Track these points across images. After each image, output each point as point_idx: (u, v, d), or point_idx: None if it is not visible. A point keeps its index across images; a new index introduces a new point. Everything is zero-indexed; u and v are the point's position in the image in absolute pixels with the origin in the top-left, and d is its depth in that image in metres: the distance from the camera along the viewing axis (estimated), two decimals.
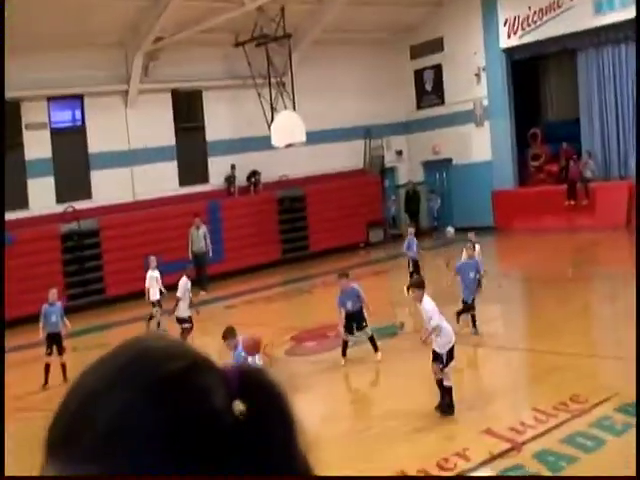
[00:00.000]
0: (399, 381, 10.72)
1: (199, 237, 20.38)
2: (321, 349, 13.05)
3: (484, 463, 7.55)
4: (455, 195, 27.04)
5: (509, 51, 25.65)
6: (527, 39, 24.83)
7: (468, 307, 12.57)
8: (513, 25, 25.06)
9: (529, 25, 24.66)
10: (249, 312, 17.31)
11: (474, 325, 12.46)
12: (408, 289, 11.50)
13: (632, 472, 6.58)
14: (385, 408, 9.51)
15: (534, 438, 7.99)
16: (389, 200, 27.58)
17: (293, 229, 24.23)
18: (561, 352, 11.00)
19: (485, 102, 26.20)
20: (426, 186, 28.29)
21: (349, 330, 11.93)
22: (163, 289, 15.35)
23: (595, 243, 20.36)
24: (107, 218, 20.15)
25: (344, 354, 11.80)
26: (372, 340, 11.80)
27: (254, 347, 9.16)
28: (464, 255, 13.21)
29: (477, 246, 13.96)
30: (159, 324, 15.42)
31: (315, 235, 24.40)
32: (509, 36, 25.28)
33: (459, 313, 12.59)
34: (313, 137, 22.93)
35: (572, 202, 23.62)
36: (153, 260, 15.96)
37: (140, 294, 19.82)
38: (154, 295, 15.59)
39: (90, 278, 19.74)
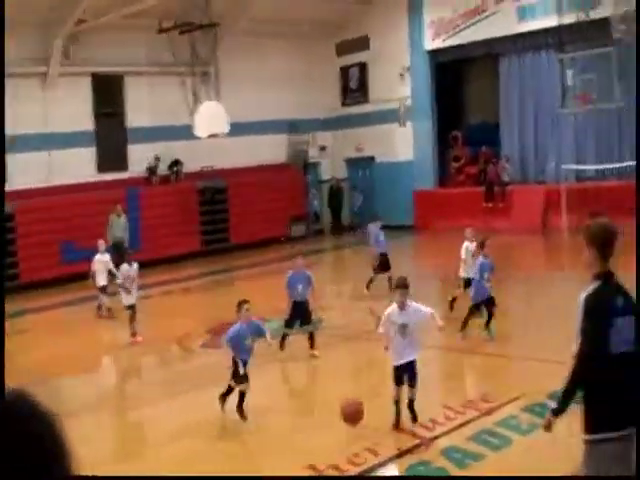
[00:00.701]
0: (314, 376, 10.75)
1: (119, 225, 20.01)
2: None
3: (392, 458, 7.62)
4: (377, 193, 27.26)
5: (433, 53, 25.98)
6: (451, 42, 25.18)
7: (473, 310, 11.97)
8: (438, 27, 25.38)
9: (454, 28, 25.01)
10: (166, 303, 17.12)
11: (487, 326, 11.87)
12: (392, 288, 10.18)
13: (538, 472, 6.74)
14: (299, 402, 9.51)
15: (443, 435, 8.10)
16: (312, 195, 27.64)
17: (214, 220, 24.06)
18: (474, 352, 11.19)
19: (409, 102, 26.49)
20: (349, 183, 28.45)
21: (290, 325, 11.76)
22: (114, 270, 14.73)
23: (511, 245, 20.77)
24: (23, 203, 19.62)
25: (282, 347, 11.59)
26: (312, 336, 11.60)
27: (354, 417, 7.88)
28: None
29: (472, 245, 13.26)
30: (108, 310, 15.10)
31: (237, 227, 24.28)
32: (434, 38, 25.59)
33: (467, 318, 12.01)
34: (237, 129, 22.80)
35: (490, 204, 24.10)
36: (102, 244, 15.51)
37: (57, 280, 19.41)
38: (101, 281, 15.15)
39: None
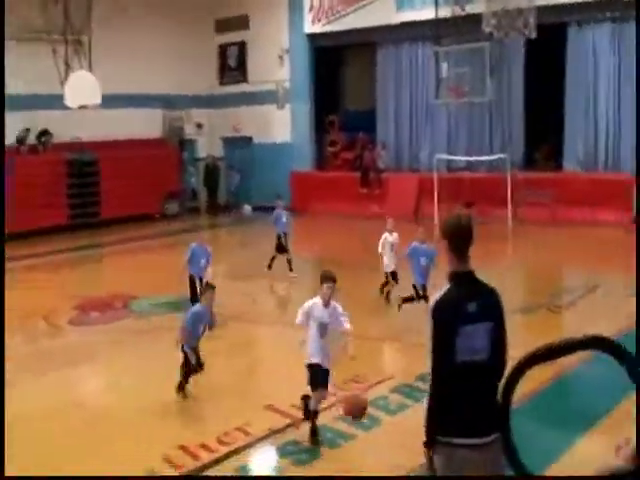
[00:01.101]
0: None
1: None
2: (106, 320, 12.69)
3: (263, 438, 7.64)
4: (254, 173, 27.20)
5: (313, 37, 26.07)
6: (331, 27, 25.35)
7: (418, 294, 11.68)
8: (318, 12, 25.49)
9: (333, 14, 25.16)
10: (30, 278, 16.51)
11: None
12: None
13: (405, 450, 6.90)
14: (167, 380, 9.37)
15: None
16: (187, 173, 27.28)
17: (83, 194, 23.38)
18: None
19: (287, 85, 26.52)
20: (226, 162, 28.25)
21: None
22: None
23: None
24: None
25: None
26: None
27: (355, 409, 7.14)
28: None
29: (391, 236, 12.91)
30: None
31: (108, 202, 23.69)
32: (314, 22, 25.68)
33: (406, 300, 11.93)
34: (110, 101, 22.17)
35: (365, 190, 24.45)
36: None
37: None
38: None
39: None
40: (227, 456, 7.22)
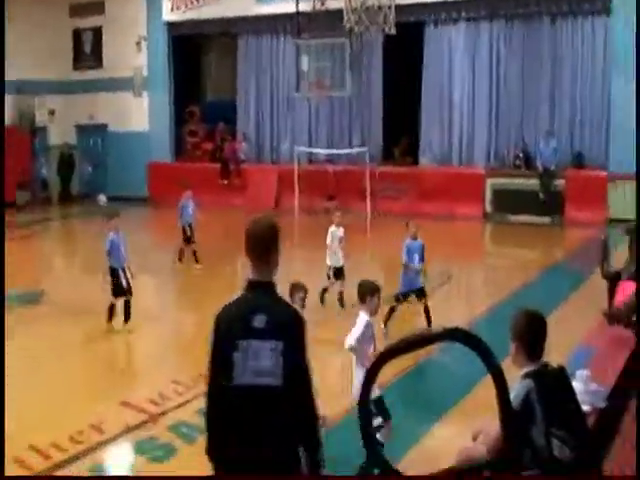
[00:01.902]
0: (33, 349, 10.19)
1: None
2: None
3: (119, 435, 7.43)
4: (110, 163, 26.49)
5: (172, 25, 25.61)
6: (190, 16, 24.97)
7: (399, 299, 10.41)
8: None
9: (192, 3, 24.81)
10: None
11: (429, 321, 10.23)
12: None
13: None
14: (16, 376, 8.96)
15: (171, 410, 8.03)
16: (39, 161, 26.22)
17: None
18: (202, 324, 11.19)
19: (145, 72, 25.95)
20: (80, 150, 27.36)
21: (126, 291, 10.81)
22: None
23: (245, 223, 21.01)
24: None
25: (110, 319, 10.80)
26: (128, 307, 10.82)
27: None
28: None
29: (338, 230, 11.94)
30: None
31: None
32: (172, 9, 25.24)
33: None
34: None
35: (225, 181, 24.26)
36: None
37: None
38: None
39: None
40: (81, 455, 6.98)
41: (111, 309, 10.76)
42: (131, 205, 22.62)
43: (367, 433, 2.96)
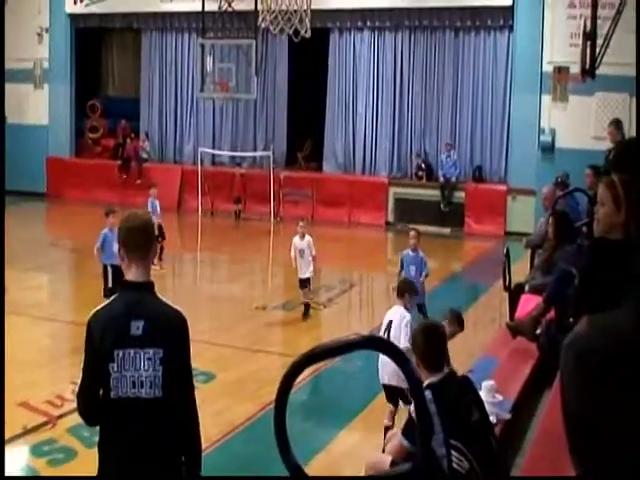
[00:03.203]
0: None
1: None
2: None
3: (17, 437, 7.25)
4: (7, 156, 25.53)
5: (74, 17, 25.04)
6: (94, 9, 24.45)
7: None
8: None
9: None
10: None
11: None
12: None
13: None
14: None
15: (71, 412, 7.86)
16: None
17: None
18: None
19: (46, 64, 25.27)
20: None
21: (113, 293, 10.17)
22: None
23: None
24: None
25: None
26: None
27: None
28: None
29: (301, 242, 11.34)
30: None
31: None
32: (75, 2, 24.67)
33: None
34: None
35: (124, 175, 23.79)
36: None
37: None
38: None
39: None
40: None
41: None
42: (28, 200, 22.01)
43: (281, 437, 2.94)
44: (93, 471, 6.52)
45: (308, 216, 21.21)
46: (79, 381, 3.56)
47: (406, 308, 7.18)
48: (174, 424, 3.48)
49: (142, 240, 3.62)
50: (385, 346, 2.79)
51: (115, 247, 9.91)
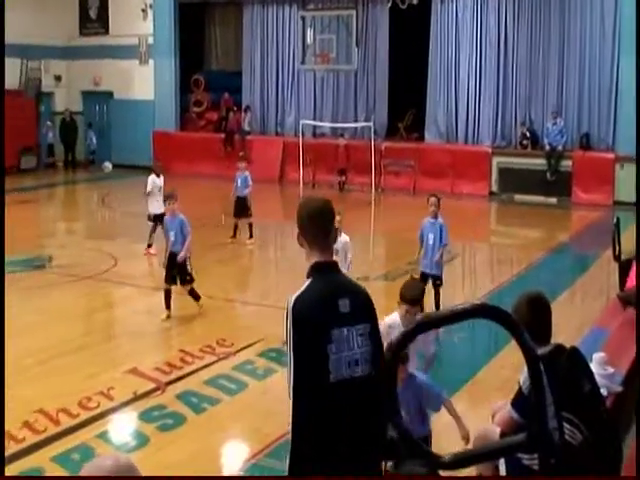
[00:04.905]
0: (38, 317, 10.21)
1: None
2: None
3: (128, 402, 7.47)
4: (114, 130, 26.38)
5: None
6: None
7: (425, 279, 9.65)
8: None
9: None
10: None
11: (437, 306, 9.64)
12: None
13: (271, 417, 6.86)
14: (20, 345, 9.00)
15: (179, 379, 8.06)
16: (44, 127, 26.11)
17: None
18: (210, 295, 11.23)
19: (150, 40, 25.75)
20: (85, 117, 27.25)
21: (171, 279, 10.03)
22: None
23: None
24: None
25: (168, 307, 9.99)
26: (192, 293, 10.15)
27: None
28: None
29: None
30: None
31: None
32: None
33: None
34: None
35: (229, 148, 24.09)
36: None
37: None
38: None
39: None
40: (90, 421, 7.02)
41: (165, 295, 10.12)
42: (135, 173, 22.58)
43: (392, 404, 2.88)
44: (201, 436, 6.75)
45: (410, 187, 21.08)
46: (291, 371, 3.34)
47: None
48: (377, 406, 3.34)
49: (329, 222, 3.58)
50: (499, 315, 2.69)
51: (172, 235, 10.00)
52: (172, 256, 10.04)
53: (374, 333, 3.45)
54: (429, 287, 9.48)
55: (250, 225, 14.62)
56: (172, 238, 10.01)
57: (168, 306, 10.02)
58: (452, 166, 21.13)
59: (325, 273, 3.49)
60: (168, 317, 9.97)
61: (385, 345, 3.12)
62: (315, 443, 3.32)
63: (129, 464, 2.23)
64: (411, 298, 5.64)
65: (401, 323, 5.55)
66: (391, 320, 5.65)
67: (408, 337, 2.83)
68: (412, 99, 22.75)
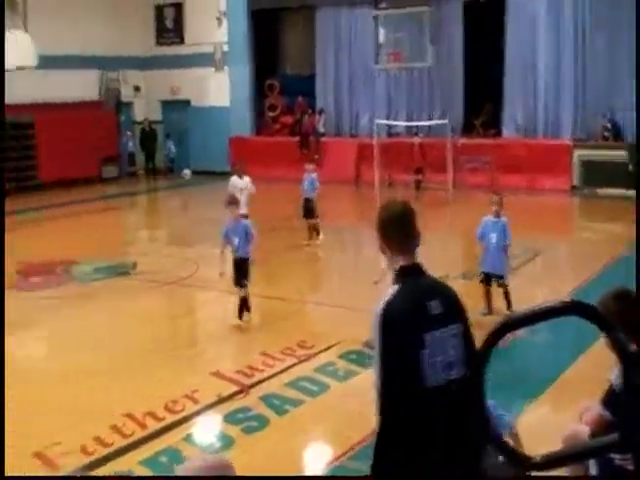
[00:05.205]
0: (125, 320, 10.49)
1: None
2: (48, 285, 12.43)
3: (212, 405, 7.57)
4: (192, 138, 26.82)
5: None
6: None
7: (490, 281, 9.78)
8: None
9: None
10: None
11: (508, 305, 9.63)
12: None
13: (353, 419, 6.87)
14: (111, 347, 9.23)
15: (261, 382, 8.13)
16: (125, 136, 26.75)
17: (19, 158, 22.81)
18: (288, 299, 11.31)
19: (225, 47, 26.10)
20: (163, 125, 27.80)
21: (239, 283, 10.02)
22: None
23: (325, 195, 21.08)
24: None
25: (242, 312, 10.00)
26: (245, 302, 10.05)
27: None
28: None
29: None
30: None
31: (45, 166, 23.18)
32: None
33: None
34: (45, 62, 21.52)
35: (305, 150, 24.22)
36: None
37: None
38: None
39: None
40: (176, 424, 7.13)
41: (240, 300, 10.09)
42: (212, 179, 22.92)
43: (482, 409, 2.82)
44: (285, 438, 6.79)
45: (488, 184, 20.80)
46: (380, 378, 3.28)
47: None
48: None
49: (412, 225, 3.51)
50: (590, 311, 2.62)
51: (236, 241, 9.94)
52: (237, 261, 10.03)
53: (466, 333, 3.39)
54: (496, 289, 9.37)
55: (315, 226, 14.76)
56: (236, 244, 9.98)
57: (247, 309, 10.09)
58: (531, 161, 20.78)
59: (413, 277, 3.43)
60: (246, 320, 10.05)
61: None
62: (407, 448, 3.24)
63: (219, 462, 2.24)
64: None
65: None
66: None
67: (497, 336, 2.77)
68: (488, 94, 22.48)
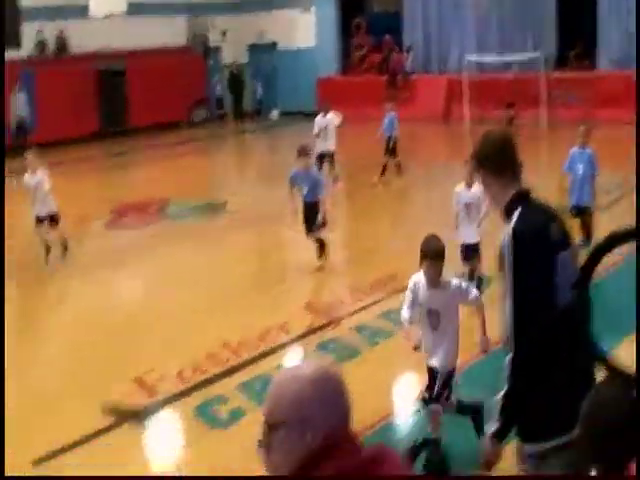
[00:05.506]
0: (218, 259, 10.71)
1: (19, 103, 19.53)
2: (142, 223, 12.78)
3: (303, 336, 7.70)
4: (280, 79, 26.81)
5: None
6: None
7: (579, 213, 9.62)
8: None
9: None
10: (64, 184, 16.53)
11: (588, 237, 9.32)
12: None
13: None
14: (204, 284, 9.44)
15: (351, 314, 8.22)
16: (213, 80, 26.94)
17: (112, 102, 23.29)
18: (377, 233, 11.31)
19: None
20: (251, 68, 27.86)
21: (309, 229, 9.87)
22: None
23: (414, 134, 20.85)
24: None
25: (321, 254, 9.85)
26: (322, 244, 9.89)
27: None
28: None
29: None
30: None
31: (136, 110, 23.60)
32: None
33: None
34: (134, 8, 21.79)
35: (393, 90, 23.93)
36: None
37: None
38: None
39: None
40: (269, 353, 7.28)
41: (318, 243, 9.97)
42: (300, 119, 22.93)
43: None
44: (375, 370, 6.83)
45: (582, 118, 20.18)
46: (515, 299, 3.20)
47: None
48: None
49: (512, 149, 3.40)
50: None
51: (305, 189, 9.79)
52: (306, 206, 9.88)
53: (577, 256, 3.37)
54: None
55: (398, 164, 14.73)
56: (305, 191, 9.85)
57: (322, 252, 9.84)
58: (628, 93, 19.98)
59: (531, 200, 3.34)
60: (322, 263, 9.82)
61: None
62: (537, 369, 3.17)
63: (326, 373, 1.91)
64: (435, 253, 5.12)
65: (425, 280, 5.20)
66: (417, 277, 5.30)
67: (608, 247, 2.69)
68: (583, 25, 21.66)
